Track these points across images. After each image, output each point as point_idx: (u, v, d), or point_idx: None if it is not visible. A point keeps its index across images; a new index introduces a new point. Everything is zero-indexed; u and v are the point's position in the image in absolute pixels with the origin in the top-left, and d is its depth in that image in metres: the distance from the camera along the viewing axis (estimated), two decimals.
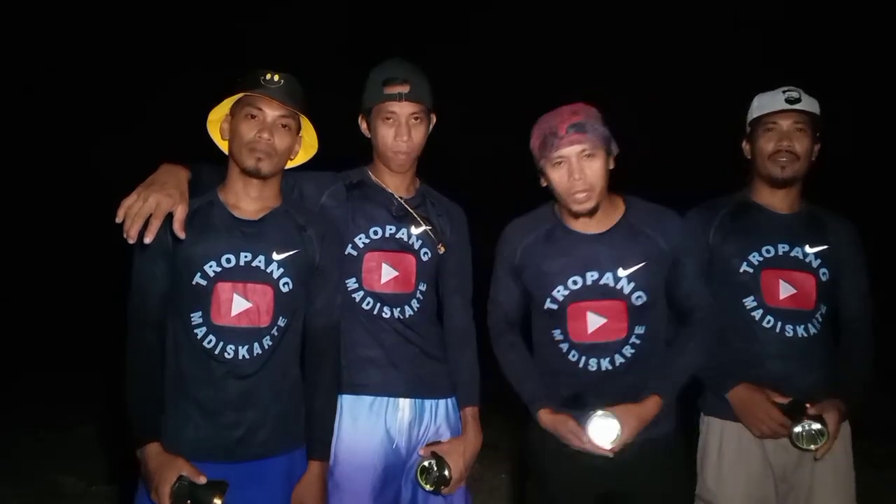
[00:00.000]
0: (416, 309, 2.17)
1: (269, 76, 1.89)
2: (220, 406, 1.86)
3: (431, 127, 2.22)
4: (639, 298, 2.03)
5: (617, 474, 2.02)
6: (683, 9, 11.12)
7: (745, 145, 2.34)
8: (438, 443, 2.12)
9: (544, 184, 2.08)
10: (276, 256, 1.92)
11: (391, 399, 2.12)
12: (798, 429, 2.06)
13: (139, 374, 1.86)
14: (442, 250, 2.22)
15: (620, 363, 2.04)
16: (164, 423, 1.86)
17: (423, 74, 2.16)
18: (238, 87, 1.92)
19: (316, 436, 1.98)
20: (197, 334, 1.86)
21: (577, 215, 2.04)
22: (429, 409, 2.17)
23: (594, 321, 2.04)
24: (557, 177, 2.00)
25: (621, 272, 2.03)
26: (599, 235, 2.07)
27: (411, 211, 2.20)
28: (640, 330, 2.05)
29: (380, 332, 2.13)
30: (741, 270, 2.25)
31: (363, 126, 2.22)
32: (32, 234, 10.34)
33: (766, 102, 2.26)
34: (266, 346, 1.90)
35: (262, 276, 1.90)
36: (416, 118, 2.13)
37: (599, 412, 1.93)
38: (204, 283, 1.86)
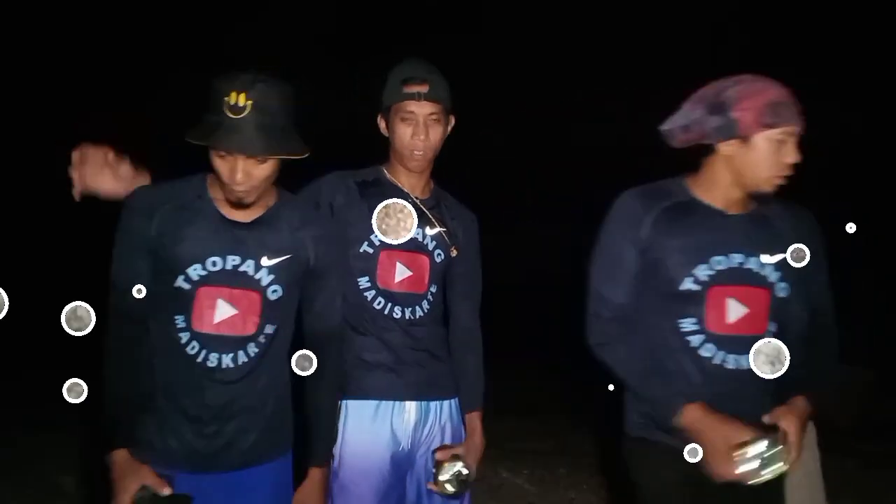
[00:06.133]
0: (425, 310, 2.17)
1: (231, 115, 1.61)
2: (203, 413, 1.76)
3: (450, 128, 2.22)
4: (782, 290, 1.87)
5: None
6: (680, 6, 11.07)
7: None
8: (451, 446, 2.12)
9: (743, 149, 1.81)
10: (265, 262, 1.79)
11: (397, 402, 2.13)
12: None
13: (116, 374, 1.75)
14: (454, 253, 2.22)
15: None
16: (146, 430, 1.76)
17: (442, 75, 2.16)
18: (204, 126, 1.66)
19: (317, 441, 1.93)
20: (181, 339, 1.75)
21: (726, 198, 1.86)
22: (434, 410, 2.18)
23: (736, 310, 1.83)
24: (766, 146, 1.77)
25: (765, 259, 1.86)
26: (740, 216, 1.88)
27: (426, 212, 2.20)
28: (772, 328, 1.87)
29: (389, 334, 2.13)
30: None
31: (382, 125, 2.21)
32: (32, 235, 10.35)
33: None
34: (252, 354, 1.79)
35: (249, 282, 1.77)
36: (434, 118, 2.12)
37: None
38: (187, 287, 1.73)
